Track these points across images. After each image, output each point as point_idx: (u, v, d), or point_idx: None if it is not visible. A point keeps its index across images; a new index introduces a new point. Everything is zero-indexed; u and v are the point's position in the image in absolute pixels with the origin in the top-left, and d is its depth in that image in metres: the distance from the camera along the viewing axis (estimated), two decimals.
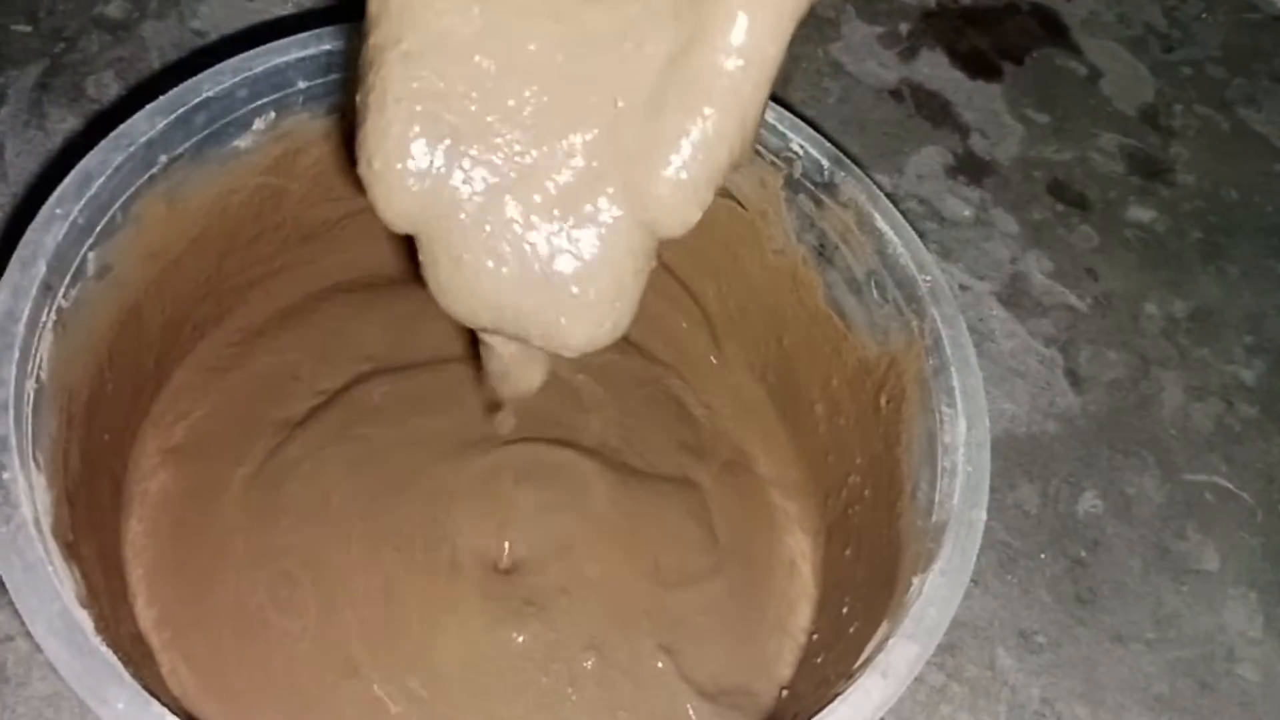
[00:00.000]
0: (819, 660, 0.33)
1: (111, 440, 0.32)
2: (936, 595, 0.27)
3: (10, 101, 0.44)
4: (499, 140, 0.24)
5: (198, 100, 0.31)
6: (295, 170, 0.36)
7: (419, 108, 0.23)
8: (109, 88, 0.45)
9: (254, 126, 0.33)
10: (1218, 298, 0.50)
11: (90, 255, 0.30)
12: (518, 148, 0.24)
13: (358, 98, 0.24)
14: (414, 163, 0.24)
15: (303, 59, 0.33)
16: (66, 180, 0.29)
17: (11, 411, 0.26)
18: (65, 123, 0.44)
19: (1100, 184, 0.53)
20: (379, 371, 0.38)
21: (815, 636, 0.35)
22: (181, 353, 0.36)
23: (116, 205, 0.30)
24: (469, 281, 0.25)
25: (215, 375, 0.37)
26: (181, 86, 0.32)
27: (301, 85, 0.33)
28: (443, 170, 0.24)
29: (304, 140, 0.35)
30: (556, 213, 0.24)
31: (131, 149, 0.30)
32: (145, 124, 0.31)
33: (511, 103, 0.24)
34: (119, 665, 0.24)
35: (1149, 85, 0.58)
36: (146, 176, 0.31)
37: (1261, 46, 0.60)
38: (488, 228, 0.24)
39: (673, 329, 0.41)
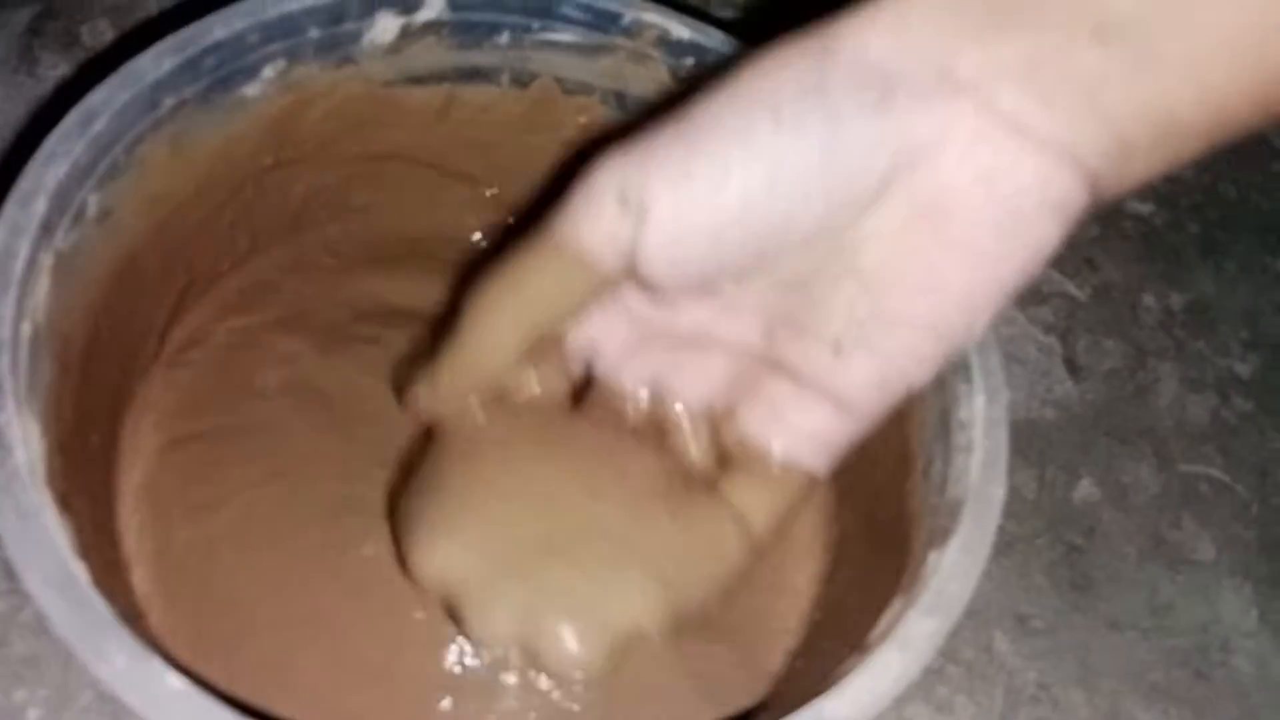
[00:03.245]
0: (824, 643, 0.33)
1: (107, 393, 0.31)
2: (956, 570, 0.27)
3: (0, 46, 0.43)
4: None
5: (207, 43, 0.30)
6: (302, 124, 0.35)
7: None
8: (104, 35, 0.44)
9: (263, 74, 0.32)
10: (1214, 293, 0.51)
11: (91, 198, 0.29)
12: None
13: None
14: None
15: (317, 7, 0.32)
16: (68, 117, 0.28)
17: (8, 354, 0.25)
18: (57, 69, 0.43)
19: None
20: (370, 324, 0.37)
21: (817, 615, 0.34)
22: (180, 306, 0.35)
23: (119, 146, 0.29)
24: None
25: (211, 332, 0.36)
26: (191, 27, 0.30)
27: (314, 34, 0.32)
28: None
29: (313, 93, 0.34)
30: None
31: (137, 89, 0.29)
32: (152, 64, 0.30)
33: None
34: (117, 620, 0.23)
35: None
36: (151, 119, 0.30)
37: None
38: None
39: None
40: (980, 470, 0.29)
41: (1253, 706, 0.39)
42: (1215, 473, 0.45)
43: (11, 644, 0.33)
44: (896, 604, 0.28)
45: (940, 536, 0.28)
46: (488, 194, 0.40)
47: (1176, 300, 0.50)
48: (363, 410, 0.35)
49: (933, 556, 0.28)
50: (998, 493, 0.28)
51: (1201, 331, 0.49)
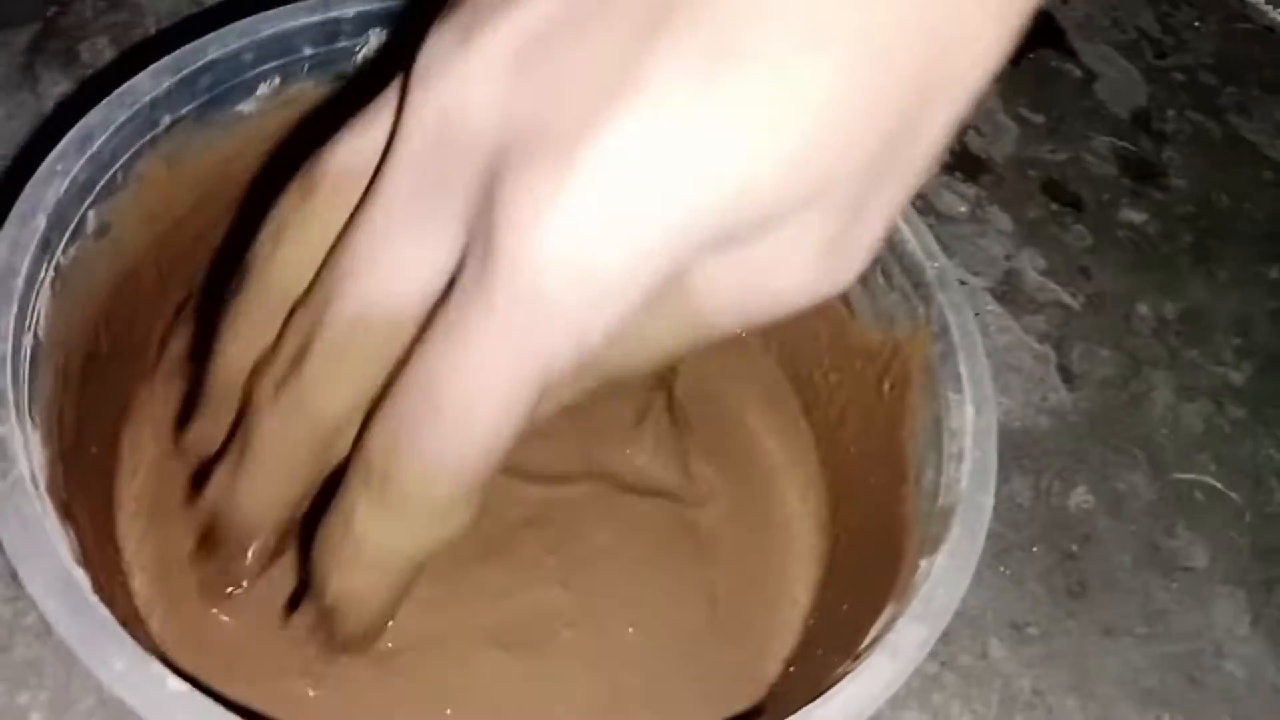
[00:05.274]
0: (819, 650, 0.33)
1: (107, 403, 0.32)
2: (944, 578, 0.27)
3: (1, 64, 0.43)
4: None
5: (202, 62, 0.31)
6: (298, 138, 0.35)
7: None
8: (103, 53, 0.44)
9: (258, 91, 0.33)
10: (1208, 301, 0.51)
11: (90, 214, 0.29)
12: None
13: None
14: None
15: (310, 25, 0.33)
16: (68, 137, 0.29)
17: (9, 367, 0.25)
18: (58, 87, 0.43)
19: (1094, 185, 0.53)
20: None
21: (812, 621, 0.35)
22: (179, 318, 0.35)
23: (118, 164, 0.29)
24: None
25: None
26: (187, 47, 0.31)
27: (308, 52, 0.33)
28: None
29: (308, 107, 0.34)
30: None
31: (135, 107, 0.30)
32: (149, 83, 0.30)
33: None
34: (117, 625, 0.23)
35: (1142, 90, 0.58)
36: (149, 137, 0.30)
37: (1253, 56, 0.61)
38: None
39: None
40: (969, 479, 0.29)
41: (1245, 711, 0.39)
42: (1209, 480, 0.45)
43: (15, 649, 0.33)
44: (888, 611, 0.28)
45: (931, 544, 0.28)
46: None
47: (1170, 309, 0.50)
48: None
49: (923, 564, 0.28)
50: (987, 501, 0.29)
51: (1195, 340, 0.49)
